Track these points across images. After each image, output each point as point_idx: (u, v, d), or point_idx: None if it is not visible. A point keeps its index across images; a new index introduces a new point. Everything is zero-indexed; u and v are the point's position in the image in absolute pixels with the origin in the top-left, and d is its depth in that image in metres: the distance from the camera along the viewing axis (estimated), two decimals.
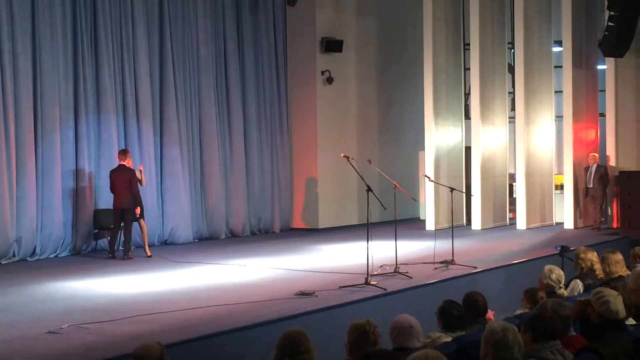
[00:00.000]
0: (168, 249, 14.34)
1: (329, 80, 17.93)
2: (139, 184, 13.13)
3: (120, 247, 13.34)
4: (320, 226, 17.76)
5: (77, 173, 13.72)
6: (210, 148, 16.13)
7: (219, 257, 12.87)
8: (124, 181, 12.85)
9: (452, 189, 11.98)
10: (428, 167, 17.00)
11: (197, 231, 15.90)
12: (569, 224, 17.17)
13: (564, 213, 17.34)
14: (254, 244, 15.03)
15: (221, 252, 13.77)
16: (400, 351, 4.79)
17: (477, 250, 13.28)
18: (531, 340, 4.46)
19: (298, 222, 18.06)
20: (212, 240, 15.98)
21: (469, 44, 17.50)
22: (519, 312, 6.51)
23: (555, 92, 18.17)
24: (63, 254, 13.40)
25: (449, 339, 5.39)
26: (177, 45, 15.49)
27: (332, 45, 17.81)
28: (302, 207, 18.05)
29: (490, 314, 6.44)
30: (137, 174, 13.13)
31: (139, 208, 13.00)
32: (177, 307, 8.30)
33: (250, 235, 16.86)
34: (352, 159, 10.31)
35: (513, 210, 17.87)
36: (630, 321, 5.49)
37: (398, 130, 19.83)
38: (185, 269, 11.65)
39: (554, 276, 7.07)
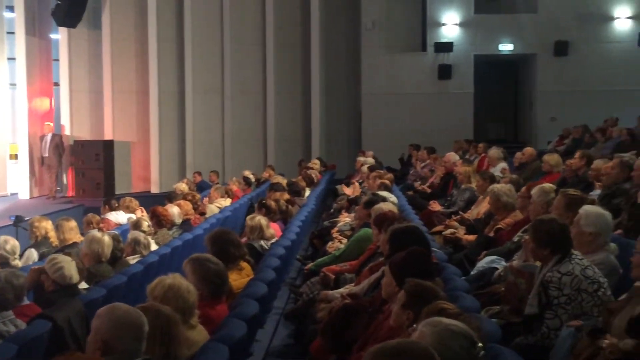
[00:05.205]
0: None
1: None
2: None
3: None
4: None
5: None
6: None
7: None
8: None
9: None
10: None
11: None
12: (24, 194, 16.99)
13: (19, 183, 17.09)
14: None
15: None
16: None
17: None
18: None
19: None
20: None
21: None
22: None
23: (8, 59, 17.68)
24: None
25: None
26: None
27: None
28: None
29: None
30: None
31: None
32: None
33: None
34: None
35: None
36: (83, 285, 5.67)
37: None
38: None
39: (8, 247, 6.96)
